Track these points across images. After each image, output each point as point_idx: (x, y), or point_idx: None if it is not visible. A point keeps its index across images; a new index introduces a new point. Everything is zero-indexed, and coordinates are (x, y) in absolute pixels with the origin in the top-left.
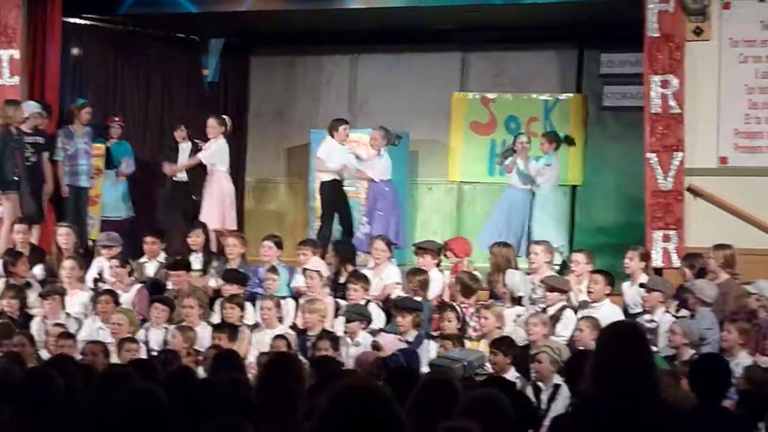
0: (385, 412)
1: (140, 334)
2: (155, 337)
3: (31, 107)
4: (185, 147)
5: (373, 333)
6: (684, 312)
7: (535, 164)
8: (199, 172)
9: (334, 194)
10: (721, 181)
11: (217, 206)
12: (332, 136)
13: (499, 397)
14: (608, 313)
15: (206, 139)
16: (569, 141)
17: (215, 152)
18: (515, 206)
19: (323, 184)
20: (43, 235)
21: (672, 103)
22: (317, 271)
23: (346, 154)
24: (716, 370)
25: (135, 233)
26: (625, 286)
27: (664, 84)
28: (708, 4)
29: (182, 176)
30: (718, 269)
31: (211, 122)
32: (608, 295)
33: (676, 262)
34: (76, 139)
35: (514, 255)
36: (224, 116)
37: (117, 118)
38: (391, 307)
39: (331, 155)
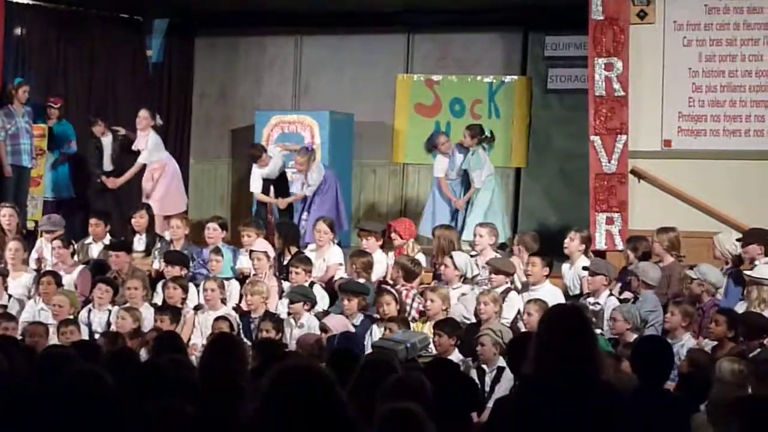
0: (326, 394)
1: (82, 316)
2: (98, 318)
3: None
4: (107, 141)
5: (321, 315)
6: (627, 294)
7: (472, 165)
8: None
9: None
10: (665, 164)
11: (169, 191)
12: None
13: (419, 380)
14: (548, 295)
15: (128, 128)
16: (490, 138)
17: (153, 149)
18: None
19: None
20: None
21: (616, 86)
22: (264, 252)
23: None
24: (658, 352)
25: (75, 214)
26: (565, 267)
27: (608, 67)
28: None
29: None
30: (663, 252)
31: (144, 114)
32: (547, 276)
33: (620, 244)
34: (17, 118)
35: (457, 237)
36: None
37: (53, 100)
38: (334, 288)
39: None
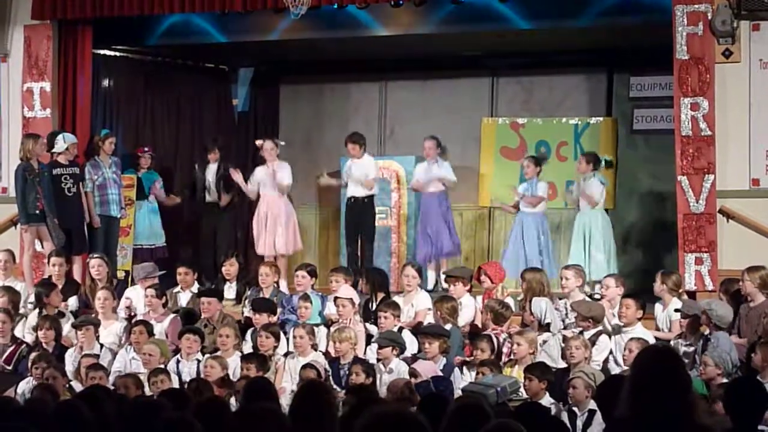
0: None
1: (171, 365)
2: (188, 368)
3: (69, 139)
4: (213, 168)
5: (410, 360)
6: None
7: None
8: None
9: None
10: (754, 203)
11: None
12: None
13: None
14: (641, 336)
15: (236, 165)
16: (608, 163)
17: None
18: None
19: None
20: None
21: (702, 125)
22: (349, 299)
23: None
24: (751, 393)
25: (166, 262)
26: (657, 309)
27: (694, 106)
28: (737, 26)
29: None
30: (754, 291)
31: (269, 145)
32: (640, 319)
33: (710, 284)
34: (104, 169)
35: (547, 279)
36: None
37: (146, 148)
38: (419, 333)
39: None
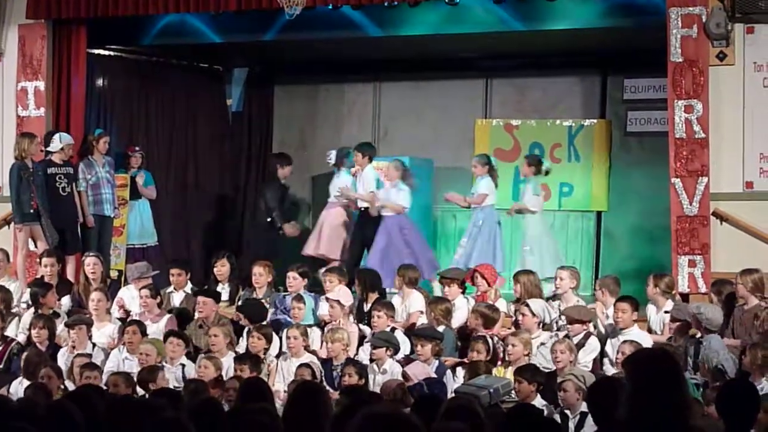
0: None
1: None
2: (173, 373)
3: (65, 139)
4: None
5: (404, 361)
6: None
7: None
8: None
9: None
10: (747, 206)
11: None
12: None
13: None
14: (637, 338)
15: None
16: (547, 172)
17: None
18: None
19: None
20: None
21: (696, 128)
22: (337, 301)
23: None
24: (744, 396)
25: (159, 261)
26: (651, 311)
27: (688, 109)
28: (731, 28)
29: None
30: (747, 294)
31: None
32: (636, 321)
33: (703, 287)
34: (98, 169)
35: (539, 281)
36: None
37: (137, 147)
38: (412, 335)
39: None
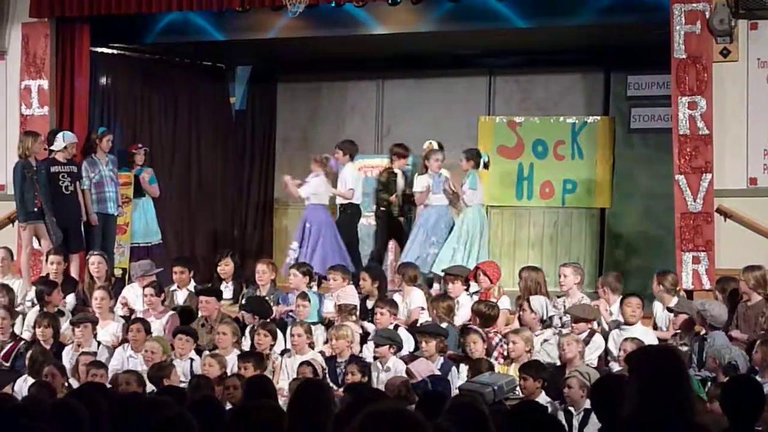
0: None
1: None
2: (181, 368)
3: (69, 138)
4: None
5: (407, 358)
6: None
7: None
8: None
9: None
10: (752, 202)
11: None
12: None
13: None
14: (641, 335)
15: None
16: (486, 165)
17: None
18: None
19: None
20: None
21: (700, 124)
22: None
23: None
24: (748, 392)
25: (162, 259)
26: (657, 307)
27: (692, 105)
28: (735, 25)
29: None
30: (750, 291)
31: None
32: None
33: (707, 283)
34: (101, 167)
35: (544, 278)
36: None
37: (140, 145)
38: (416, 332)
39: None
